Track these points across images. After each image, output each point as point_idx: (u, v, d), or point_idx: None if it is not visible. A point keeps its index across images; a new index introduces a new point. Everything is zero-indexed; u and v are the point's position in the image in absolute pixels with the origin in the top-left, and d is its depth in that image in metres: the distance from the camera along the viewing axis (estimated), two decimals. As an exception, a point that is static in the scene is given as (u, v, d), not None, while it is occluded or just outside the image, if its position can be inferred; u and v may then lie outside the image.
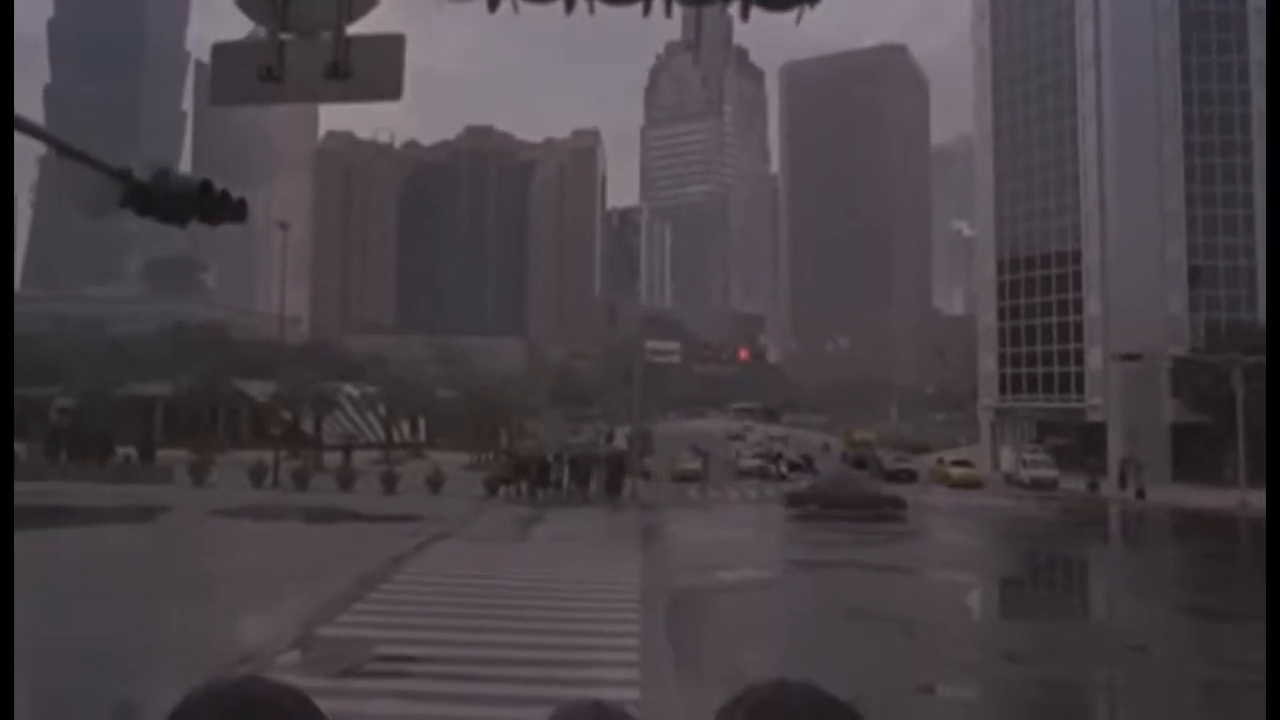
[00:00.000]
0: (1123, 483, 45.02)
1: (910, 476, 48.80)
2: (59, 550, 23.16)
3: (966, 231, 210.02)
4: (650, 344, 41.04)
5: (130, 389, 55.30)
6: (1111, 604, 21.88)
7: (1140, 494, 42.68)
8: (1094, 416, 57.20)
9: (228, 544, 24.98)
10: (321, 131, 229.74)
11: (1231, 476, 42.28)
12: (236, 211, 8.79)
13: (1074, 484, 46.60)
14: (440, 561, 21.77)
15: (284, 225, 40.09)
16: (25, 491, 29.15)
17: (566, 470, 38.08)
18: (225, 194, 8.58)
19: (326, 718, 1.33)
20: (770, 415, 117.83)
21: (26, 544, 21.94)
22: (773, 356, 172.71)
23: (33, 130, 7.54)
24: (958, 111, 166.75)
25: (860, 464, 51.19)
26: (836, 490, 32.74)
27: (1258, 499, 38.48)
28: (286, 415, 49.63)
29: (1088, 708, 13.68)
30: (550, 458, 38.88)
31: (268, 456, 39.99)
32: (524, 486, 36.73)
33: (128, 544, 25.13)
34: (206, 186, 8.29)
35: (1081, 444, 56.65)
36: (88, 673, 12.31)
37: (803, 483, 40.45)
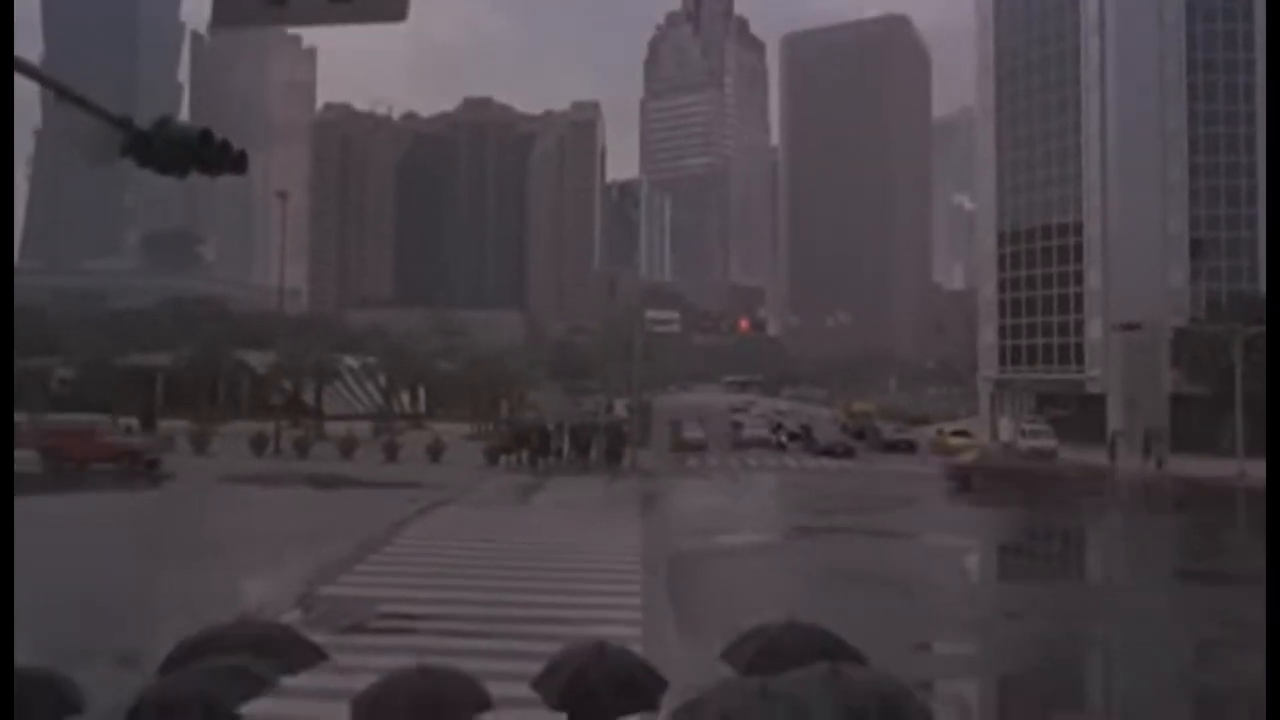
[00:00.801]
0: (1146, 452, 45.04)
1: (909, 447, 48.94)
2: (73, 513, 23.40)
3: (967, 205, 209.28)
4: (650, 313, 40.98)
5: (130, 360, 55.33)
6: (1115, 567, 22.04)
7: (1160, 464, 42.74)
8: (1093, 388, 57.26)
9: (235, 508, 25.14)
10: (319, 103, 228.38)
11: (1228, 447, 42.40)
12: (237, 163, 8.74)
13: (1071, 455, 46.76)
14: (442, 526, 21.88)
15: (283, 194, 39.77)
16: (28, 460, 29.31)
17: (567, 439, 38.17)
18: (225, 144, 8.53)
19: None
20: (764, 388, 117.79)
21: (40, 506, 22.19)
22: (772, 330, 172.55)
23: (33, 73, 7.48)
24: (959, 84, 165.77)
25: (860, 435, 51.27)
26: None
27: (1255, 469, 38.68)
28: (287, 385, 49.70)
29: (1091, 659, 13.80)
30: (550, 427, 38.95)
31: (268, 426, 40.07)
32: (524, 455, 36.80)
33: (137, 508, 25.32)
34: (206, 135, 8.25)
35: (1080, 415, 56.76)
36: (108, 622, 12.62)
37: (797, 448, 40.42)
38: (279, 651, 6.54)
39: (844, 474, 37.63)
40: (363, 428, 45.24)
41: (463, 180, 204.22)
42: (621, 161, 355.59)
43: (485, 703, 6.33)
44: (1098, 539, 26.51)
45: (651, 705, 6.17)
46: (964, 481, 32.92)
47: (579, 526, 22.58)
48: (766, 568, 18.04)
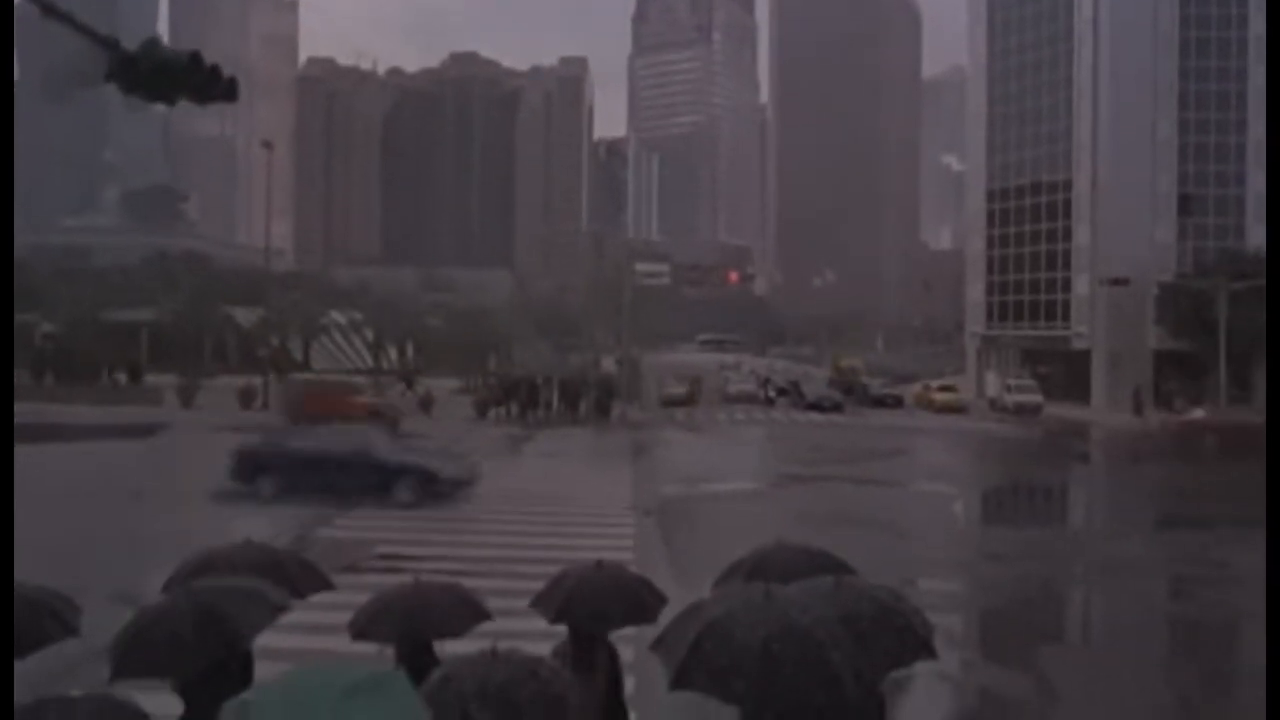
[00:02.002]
0: (1137, 409, 45.53)
1: (896, 401, 49.29)
2: (73, 461, 23.48)
3: (955, 166, 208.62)
4: (640, 266, 40.88)
5: (115, 315, 54.85)
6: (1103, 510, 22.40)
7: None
8: (1079, 344, 57.65)
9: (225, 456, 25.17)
10: (302, 58, 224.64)
11: (1210, 402, 42.94)
12: (227, 89, 8.61)
13: (1055, 410, 47.26)
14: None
15: (268, 145, 39.17)
16: (22, 411, 29.18)
17: (556, 393, 38.27)
18: (215, 69, 8.40)
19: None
20: (745, 346, 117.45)
21: (43, 456, 22.25)
22: (759, 289, 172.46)
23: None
24: (951, 41, 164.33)
25: (847, 390, 51.53)
26: None
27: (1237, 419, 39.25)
28: (274, 341, 49.44)
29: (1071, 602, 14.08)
30: (539, 380, 39.02)
31: (256, 381, 39.95)
32: (514, 408, 36.90)
33: (136, 456, 25.39)
34: (196, 59, 8.11)
35: (1065, 371, 57.23)
36: (104, 562, 12.64)
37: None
38: (287, 576, 6.54)
39: (832, 427, 37.90)
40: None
41: (449, 137, 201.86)
42: (609, 120, 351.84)
43: (482, 616, 6.41)
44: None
45: (651, 618, 6.27)
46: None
47: (570, 474, 22.75)
48: (756, 512, 18.22)
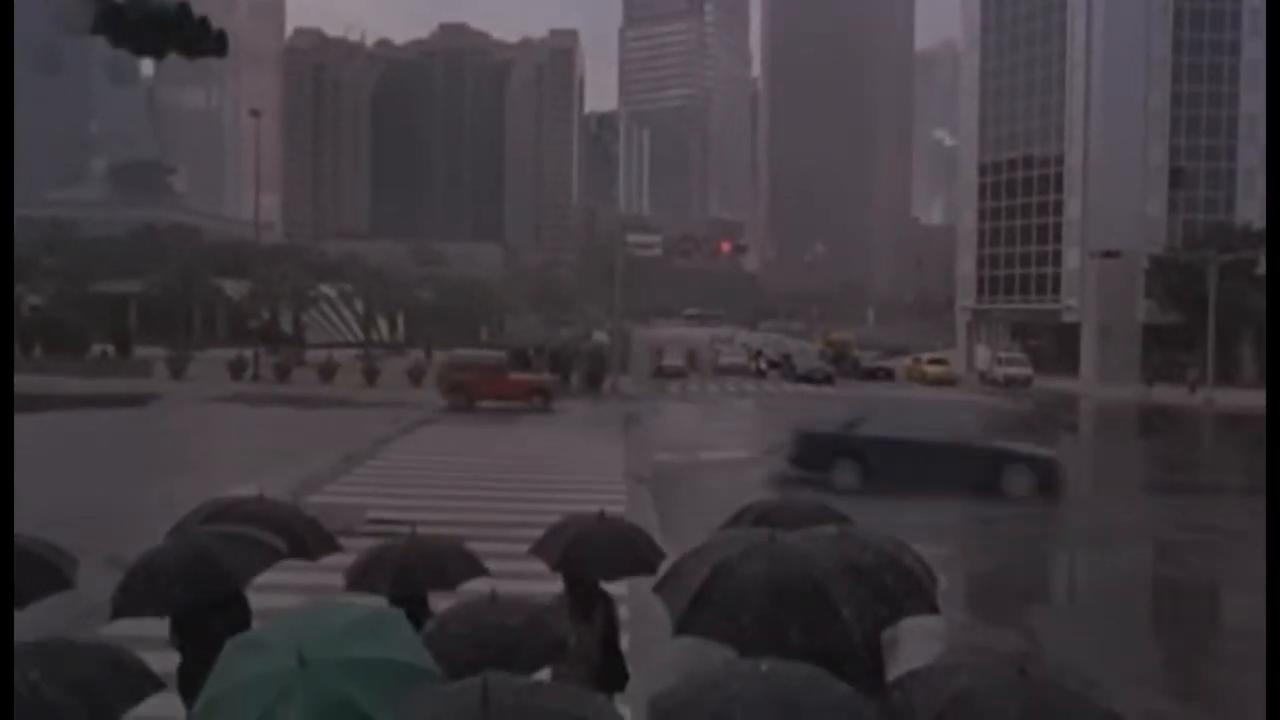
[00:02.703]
0: (1192, 387, 45.17)
1: (887, 374, 49.46)
2: (69, 429, 23.44)
3: (948, 141, 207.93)
4: (632, 237, 40.75)
5: (102, 287, 54.46)
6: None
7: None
8: (1069, 317, 57.86)
9: (221, 425, 25.22)
10: (289, 29, 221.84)
11: (1198, 377, 43.22)
12: (217, 43, 8.49)
13: (1044, 383, 47.50)
14: (426, 442, 21.98)
15: (256, 113, 38.66)
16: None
17: (547, 364, 38.21)
18: (204, 21, 8.27)
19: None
20: (727, 321, 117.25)
21: (39, 424, 22.20)
22: (750, 264, 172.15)
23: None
24: (942, 16, 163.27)
25: (838, 363, 51.63)
26: None
27: (1223, 396, 39.55)
28: (264, 313, 49.22)
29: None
30: (530, 352, 38.95)
31: (247, 352, 39.79)
32: (505, 381, 36.78)
33: (130, 424, 25.36)
34: (185, 10, 7.99)
35: (1054, 344, 57.46)
36: (104, 525, 12.61)
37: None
38: (294, 534, 6.47)
39: (823, 398, 37.96)
40: (343, 355, 44.98)
41: (438, 109, 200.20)
42: (600, 92, 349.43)
43: (478, 571, 6.40)
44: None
45: (651, 570, 6.29)
46: None
47: (563, 442, 22.77)
48: (748, 479, 18.26)
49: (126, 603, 5.45)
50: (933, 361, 50.50)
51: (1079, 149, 57.84)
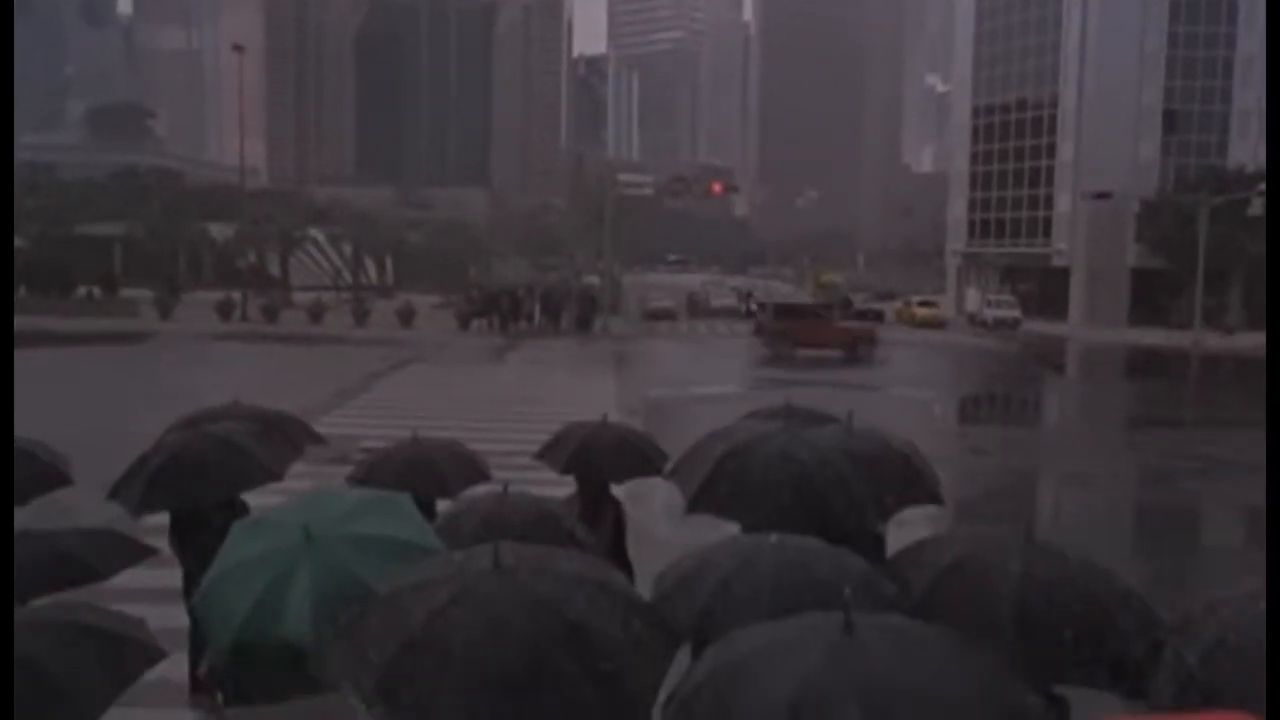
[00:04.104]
0: (1227, 330, 44.27)
1: (877, 316, 49.50)
2: (64, 364, 23.37)
3: (940, 87, 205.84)
4: (623, 176, 40.35)
5: (86, 229, 53.69)
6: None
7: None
8: (1058, 261, 57.88)
9: (216, 360, 25.18)
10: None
11: (1184, 320, 43.49)
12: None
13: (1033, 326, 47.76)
14: (418, 378, 21.97)
15: (239, 48, 37.65)
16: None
17: (538, 305, 38.13)
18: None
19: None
20: (695, 266, 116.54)
21: (40, 361, 22.13)
22: (740, 209, 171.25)
23: None
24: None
25: (829, 305, 51.54)
26: None
27: (1209, 338, 39.89)
28: (251, 256, 48.75)
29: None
30: (521, 292, 38.82)
31: (235, 294, 39.47)
32: (496, 320, 36.76)
33: (125, 360, 25.30)
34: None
35: (1043, 288, 57.56)
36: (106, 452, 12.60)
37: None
38: (281, 430, 6.56)
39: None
40: (332, 298, 44.72)
41: (424, 51, 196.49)
42: (589, 35, 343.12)
43: (482, 475, 6.42)
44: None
45: (656, 471, 6.33)
46: None
47: (554, 379, 22.80)
48: (738, 411, 18.36)
49: (130, 493, 5.45)
50: (922, 304, 50.58)
51: (1073, 90, 57.31)
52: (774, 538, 3.92)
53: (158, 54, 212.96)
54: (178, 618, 4.78)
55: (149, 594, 5.19)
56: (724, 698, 2.63)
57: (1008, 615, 3.28)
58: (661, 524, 8.00)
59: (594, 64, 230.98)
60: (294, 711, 3.30)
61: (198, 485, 5.30)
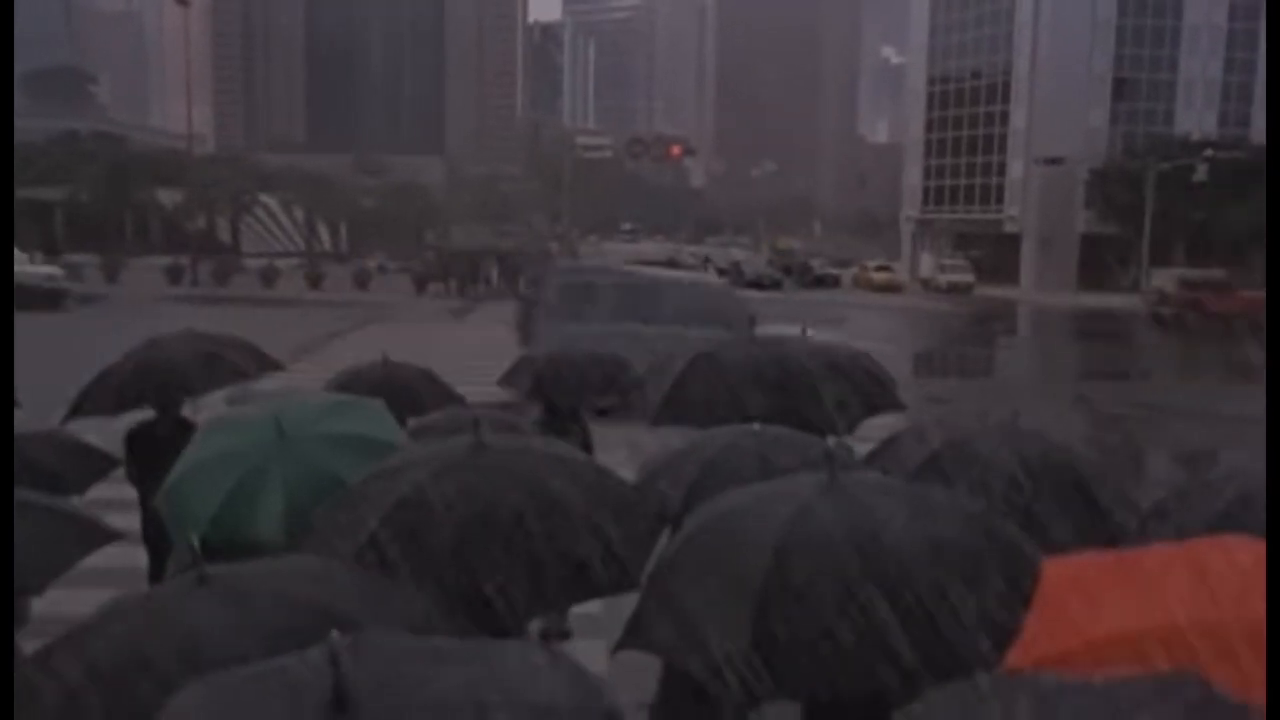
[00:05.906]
0: None
1: (834, 281, 50.04)
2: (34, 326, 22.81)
3: (894, 59, 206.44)
4: (581, 139, 40.03)
5: (25, 193, 51.92)
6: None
7: None
8: (1011, 227, 58.80)
9: (168, 321, 24.51)
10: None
11: (1131, 284, 44.55)
12: None
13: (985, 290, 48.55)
14: (377, 338, 21.67)
15: (184, 2, 36.36)
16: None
17: (496, 269, 37.83)
18: None
19: None
20: (649, 235, 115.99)
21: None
22: (696, 179, 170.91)
23: None
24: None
25: (786, 270, 51.94)
26: None
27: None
28: (200, 222, 47.62)
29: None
30: (479, 256, 38.49)
31: (183, 259, 38.60)
32: (453, 284, 36.43)
33: (77, 321, 24.62)
34: None
35: (995, 254, 58.47)
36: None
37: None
38: (236, 353, 6.49)
39: (772, 302, 38.25)
40: (284, 263, 43.91)
41: (376, 15, 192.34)
42: (544, 1, 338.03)
43: (453, 398, 6.43)
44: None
45: (618, 387, 6.38)
46: None
47: (515, 336, 22.66)
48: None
49: (100, 401, 5.40)
50: (879, 269, 51.17)
51: (1026, 57, 57.93)
52: (756, 426, 3.99)
53: (97, 15, 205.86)
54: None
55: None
56: (711, 549, 2.69)
57: (999, 490, 3.41)
58: (626, 449, 8.05)
59: (549, 31, 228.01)
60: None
61: (174, 383, 5.26)
